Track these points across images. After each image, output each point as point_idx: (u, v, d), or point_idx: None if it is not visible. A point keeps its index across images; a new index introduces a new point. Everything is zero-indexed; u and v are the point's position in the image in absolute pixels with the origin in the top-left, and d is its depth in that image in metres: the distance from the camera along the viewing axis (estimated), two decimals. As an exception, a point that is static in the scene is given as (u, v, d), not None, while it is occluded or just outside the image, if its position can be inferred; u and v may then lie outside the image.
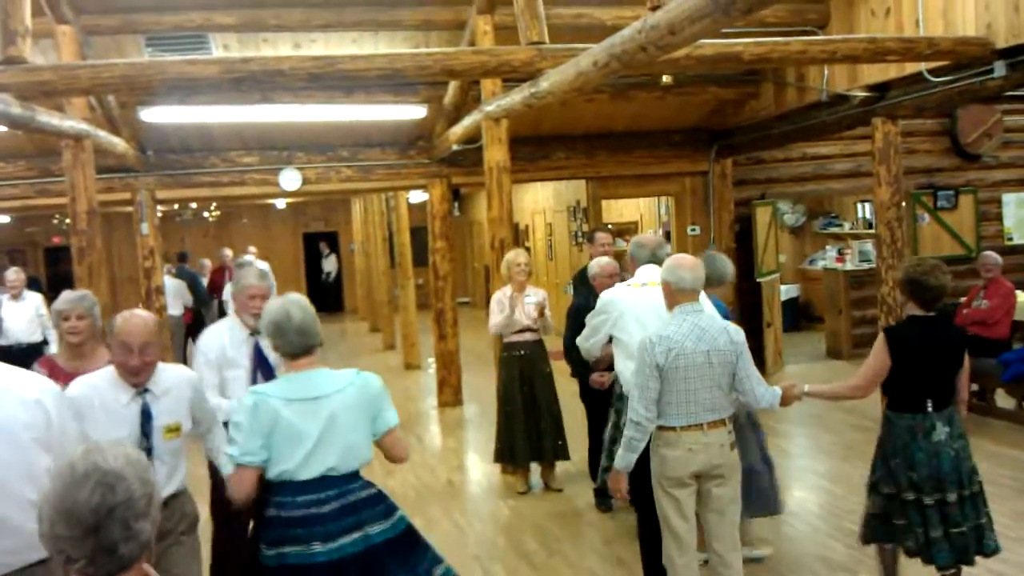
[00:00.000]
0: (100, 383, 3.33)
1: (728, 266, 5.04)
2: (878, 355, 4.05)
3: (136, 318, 3.31)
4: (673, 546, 3.96)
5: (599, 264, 5.75)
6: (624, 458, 3.88)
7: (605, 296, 4.76)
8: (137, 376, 3.29)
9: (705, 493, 3.93)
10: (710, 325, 3.89)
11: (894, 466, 4.04)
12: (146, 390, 3.33)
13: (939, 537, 3.93)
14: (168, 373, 3.45)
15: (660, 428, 3.86)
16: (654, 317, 4.47)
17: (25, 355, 7.58)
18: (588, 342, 4.92)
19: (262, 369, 4.43)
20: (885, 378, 4.07)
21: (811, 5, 7.91)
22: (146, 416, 3.31)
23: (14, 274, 8.94)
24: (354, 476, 3.19)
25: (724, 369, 3.87)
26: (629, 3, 7.51)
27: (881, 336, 4.09)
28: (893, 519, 4.10)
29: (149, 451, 3.29)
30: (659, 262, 4.80)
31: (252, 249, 14.72)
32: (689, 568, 3.97)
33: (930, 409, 4.00)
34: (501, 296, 6.52)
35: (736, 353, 3.89)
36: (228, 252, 14.09)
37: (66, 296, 4.22)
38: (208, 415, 3.67)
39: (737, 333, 3.94)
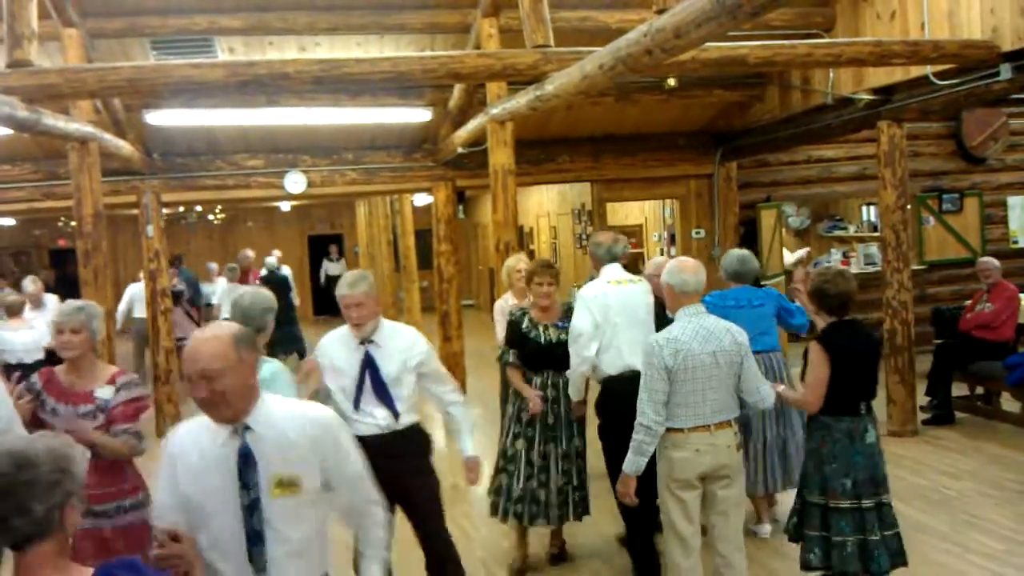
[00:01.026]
0: (200, 425, 2.54)
1: (755, 262, 5.55)
2: (818, 365, 4.00)
3: (204, 337, 2.45)
4: (678, 549, 3.95)
5: (655, 263, 5.69)
6: (634, 462, 3.87)
7: (586, 292, 4.74)
8: (213, 411, 2.45)
9: (711, 495, 3.93)
10: (715, 327, 3.90)
11: (829, 472, 3.97)
12: (246, 427, 2.48)
13: (878, 540, 3.91)
14: (276, 407, 2.56)
15: (668, 430, 3.86)
16: (627, 314, 4.57)
17: (44, 363, 7.48)
18: (582, 353, 4.64)
19: (372, 378, 4.14)
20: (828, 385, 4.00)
21: (817, 8, 7.91)
22: (245, 459, 2.45)
23: (32, 284, 8.68)
24: None
25: (730, 370, 3.88)
26: (634, 6, 7.52)
27: (816, 346, 4.03)
28: (806, 528, 4.05)
29: (252, 508, 2.44)
30: (615, 258, 4.86)
31: (277, 253, 13.53)
32: (694, 571, 3.96)
33: (863, 412, 4.02)
34: (503, 305, 6.48)
35: (741, 354, 3.91)
36: (250, 253, 12.92)
37: (63, 307, 3.91)
38: (350, 474, 2.66)
39: (740, 334, 3.95)
